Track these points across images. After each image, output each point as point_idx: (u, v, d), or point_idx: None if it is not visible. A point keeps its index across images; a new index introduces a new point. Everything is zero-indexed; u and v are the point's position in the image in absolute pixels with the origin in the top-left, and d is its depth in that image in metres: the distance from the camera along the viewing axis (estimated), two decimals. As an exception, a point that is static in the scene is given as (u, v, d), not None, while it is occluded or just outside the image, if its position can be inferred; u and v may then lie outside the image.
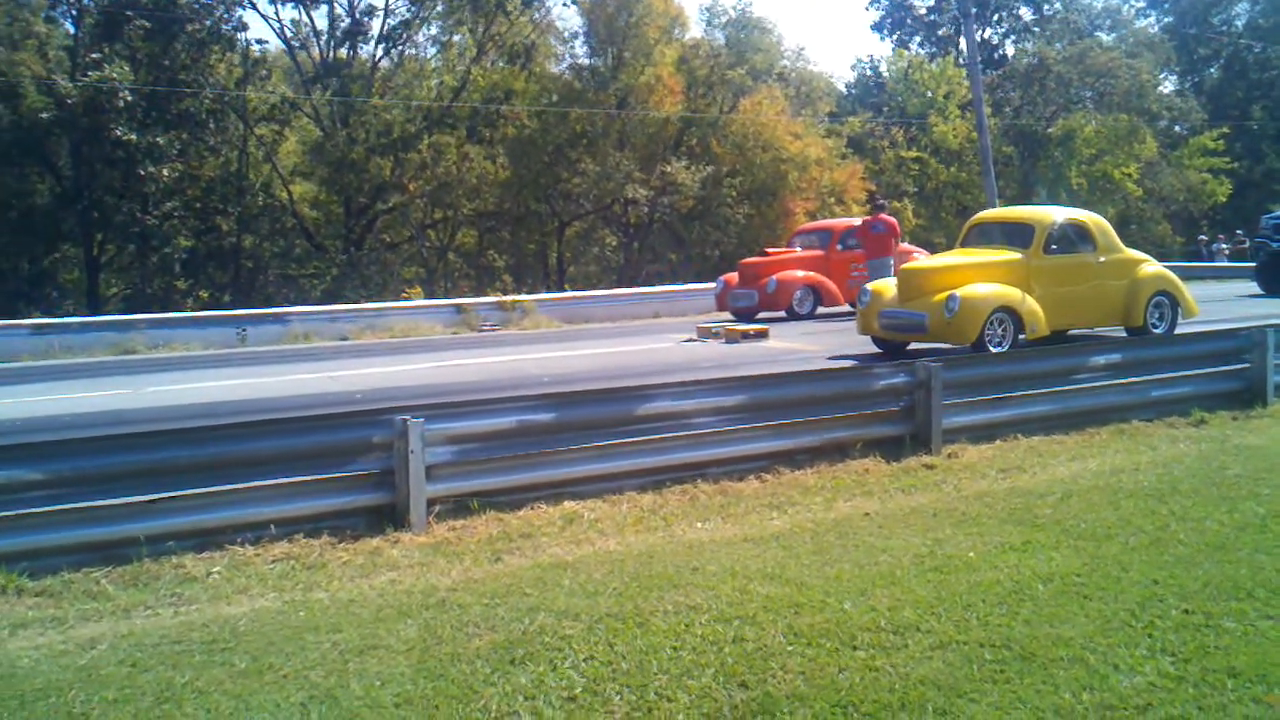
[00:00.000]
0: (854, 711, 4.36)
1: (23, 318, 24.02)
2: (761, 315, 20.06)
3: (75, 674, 5.01)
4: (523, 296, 26.52)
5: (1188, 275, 21.32)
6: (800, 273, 20.56)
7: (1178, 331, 14.07)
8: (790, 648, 5.01)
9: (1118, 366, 11.04)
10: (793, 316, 20.05)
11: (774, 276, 20.31)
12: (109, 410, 11.63)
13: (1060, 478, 8.48)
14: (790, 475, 8.68)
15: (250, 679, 4.88)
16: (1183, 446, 9.58)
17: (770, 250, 22.51)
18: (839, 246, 21.01)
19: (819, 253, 21.08)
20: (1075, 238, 14.09)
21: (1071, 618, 5.29)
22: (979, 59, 38.00)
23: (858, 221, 21.70)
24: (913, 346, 13.97)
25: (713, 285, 22.98)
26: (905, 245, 20.22)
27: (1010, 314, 13.06)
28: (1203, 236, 43.90)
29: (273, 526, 7.07)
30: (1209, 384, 11.14)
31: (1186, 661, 4.75)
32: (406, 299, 27.65)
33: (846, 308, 19.84)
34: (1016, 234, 14.15)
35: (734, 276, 21.60)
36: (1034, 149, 52.52)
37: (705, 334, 17.62)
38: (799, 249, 21.69)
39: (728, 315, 20.92)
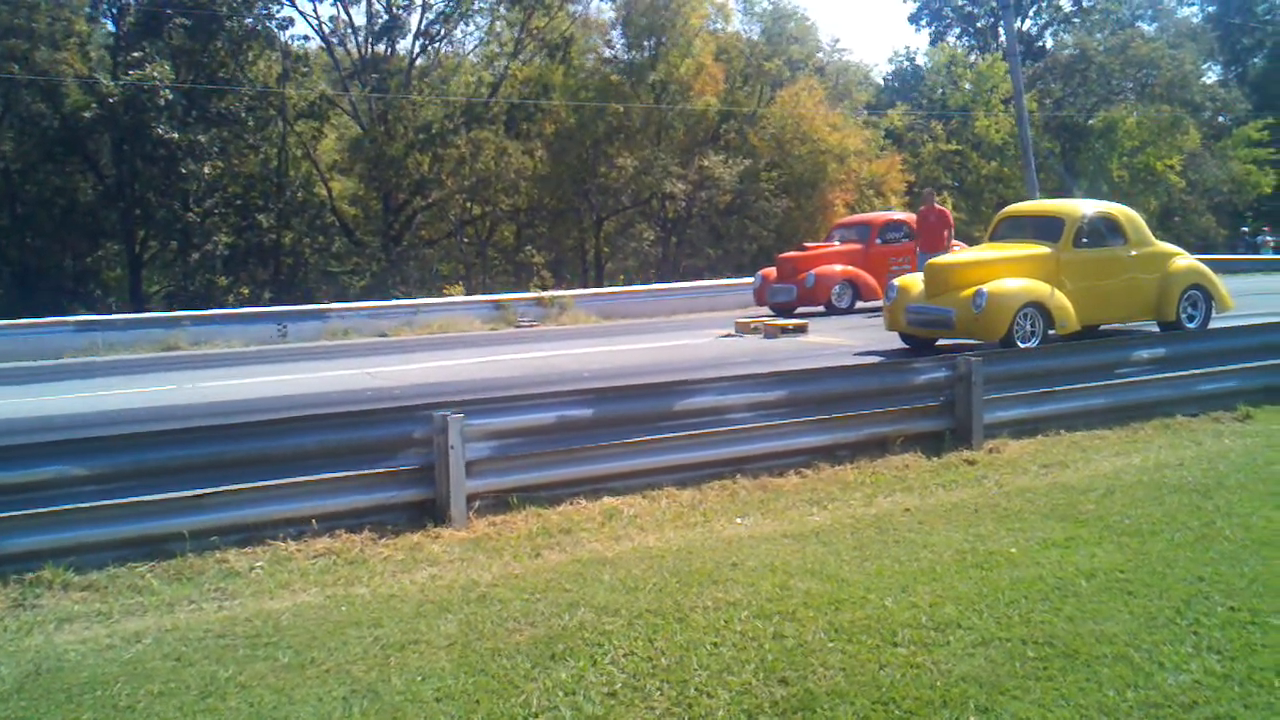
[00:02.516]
0: (895, 708, 4.34)
1: (67, 315, 24.24)
2: (800, 310, 20.01)
3: (121, 668, 5.07)
4: (561, 292, 26.61)
5: (1231, 268, 21.07)
6: (839, 267, 20.50)
7: (1219, 325, 13.85)
8: (831, 644, 4.99)
9: (1161, 360, 10.89)
10: (831, 311, 19.99)
11: (812, 271, 20.27)
12: (153, 406, 11.76)
13: (1103, 473, 8.40)
14: (830, 470, 8.64)
15: (293, 673, 4.92)
16: (1228, 441, 9.45)
17: (809, 244, 22.44)
18: (878, 240, 20.92)
19: (858, 246, 20.96)
20: (1106, 231, 13.89)
21: (1115, 614, 5.25)
22: (1019, 50, 37.66)
23: (897, 215, 21.59)
24: (941, 342, 13.86)
25: (751, 280, 22.92)
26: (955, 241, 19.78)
27: (1039, 309, 12.86)
28: (1245, 229, 43.39)
29: (314, 522, 7.10)
30: (1255, 378, 10.93)
31: (1233, 659, 4.70)
32: (445, 295, 27.73)
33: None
34: (1046, 227, 13.91)
35: (772, 271, 21.58)
36: (1075, 141, 52.06)
37: (744, 329, 17.58)
38: (837, 243, 21.61)
39: (766, 310, 20.88)
